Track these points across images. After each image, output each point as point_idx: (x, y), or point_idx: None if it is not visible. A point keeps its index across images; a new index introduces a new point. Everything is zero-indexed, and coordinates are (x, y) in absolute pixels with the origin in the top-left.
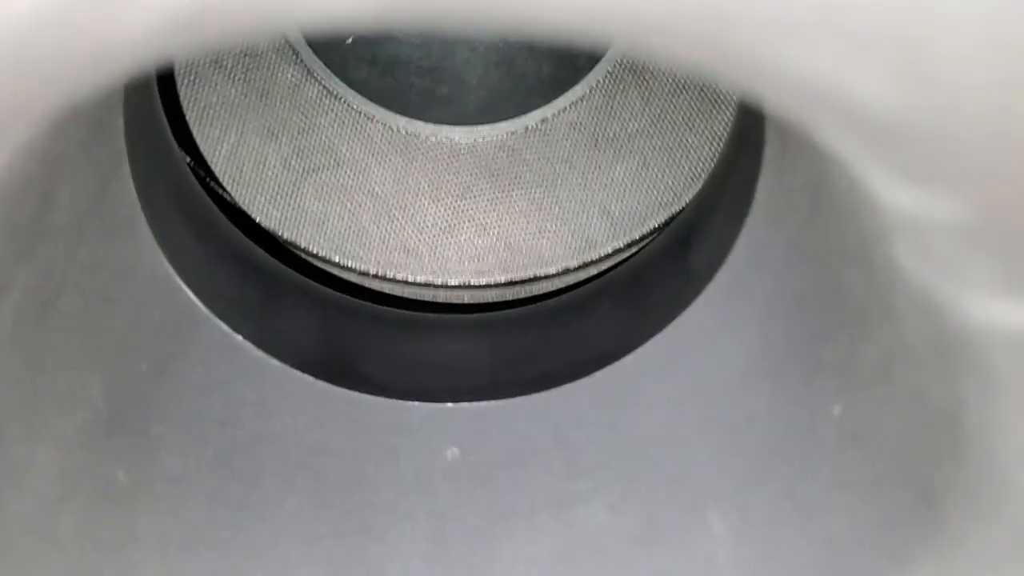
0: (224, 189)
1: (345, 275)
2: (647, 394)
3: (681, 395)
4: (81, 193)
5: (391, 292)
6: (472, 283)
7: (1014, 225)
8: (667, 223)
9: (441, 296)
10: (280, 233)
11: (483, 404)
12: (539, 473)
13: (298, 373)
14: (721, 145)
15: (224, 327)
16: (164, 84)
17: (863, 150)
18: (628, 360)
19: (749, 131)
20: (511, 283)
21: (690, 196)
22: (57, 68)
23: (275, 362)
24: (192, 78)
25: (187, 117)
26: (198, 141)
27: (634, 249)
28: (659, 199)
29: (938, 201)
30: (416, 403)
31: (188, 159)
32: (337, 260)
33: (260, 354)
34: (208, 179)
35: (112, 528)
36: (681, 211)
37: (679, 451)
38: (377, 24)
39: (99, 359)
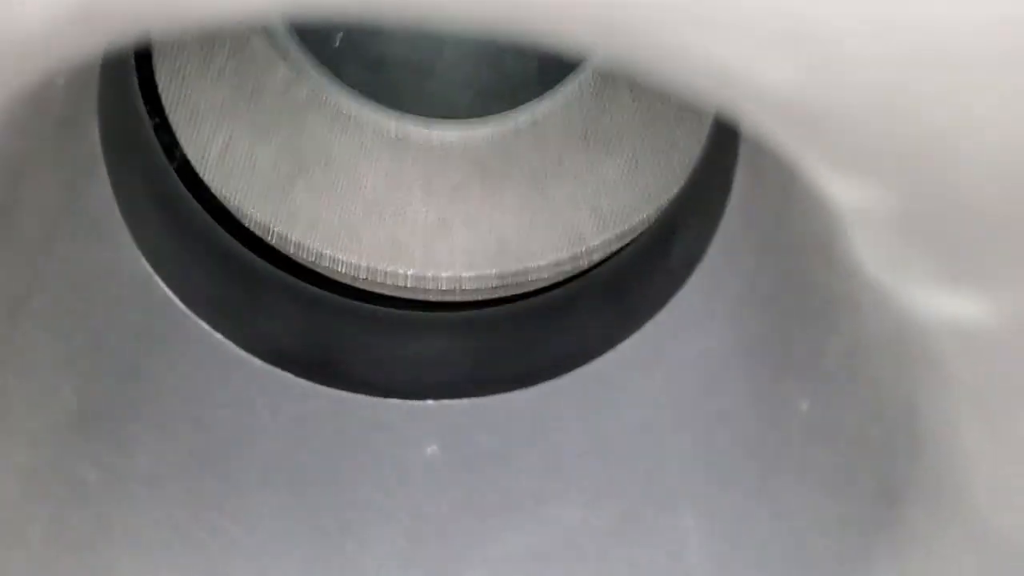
0: (207, 186)
1: (335, 275)
2: (623, 391)
3: (656, 392)
4: (52, 194)
5: (381, 292)
6: (463, 277)
7: (933, 214)
8: (655, 219)
9: (432, 295)
10: (271, 230)
11: (463, 402)
12: (517, 470)
13: (278, 371)
14: (707, 139)
15: (203, 325)
16: (146, 84)
17: (794, 141)
18: (606, 358)
19: (726, 129)
20: (501, 277)
21: (679, 187)
22: None
23: (255, 360)
24: (180, 79)
25: (171, 117)
26: (187, 141)
27: (623, 243)
28: (648, 195)
29: (868, 192)
30: (396, 400)
31: (177, 154)
32: (327, 257)
33: (240, 352)
34: (192, 176)
35: (83, 529)
36: (661, 212)
37: (653, 448)
38: (280, 16)
39: (73, 359)
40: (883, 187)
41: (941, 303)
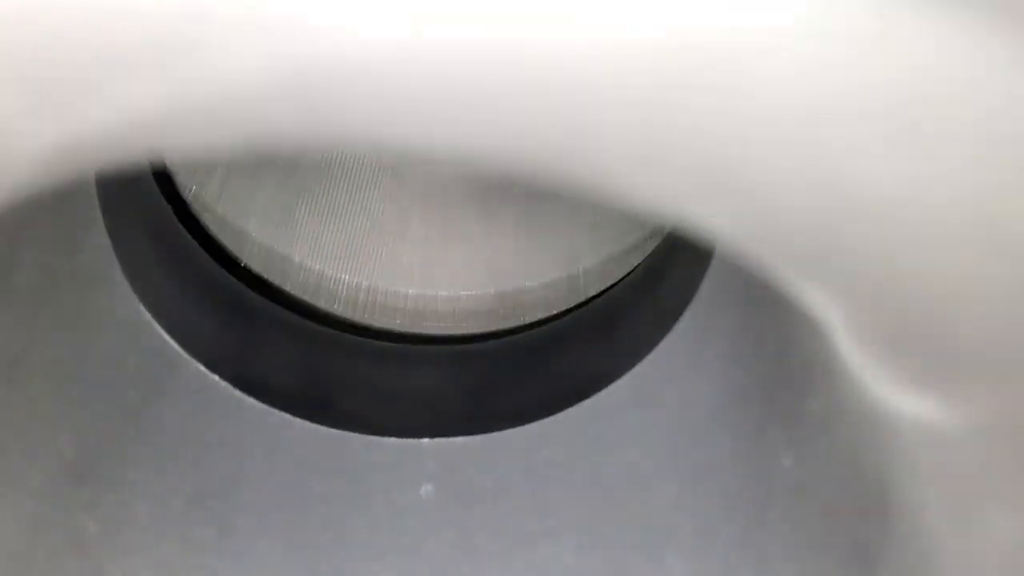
0: (203, 223)
1: (336, 298)
2: (614, 432)
3: (647, 434)
4: (49, 249)
5: (379, 323)
6: (461, 296)
7: (888, 328)
8: (650, 235)
9: (430, 321)
10: (273, 253)
11: (457, 440)
12: (509, 511)
13: (275, 411)
14: None
15: (200, 368)
16: None
17: (747, 260)
18: (598, 397)
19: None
20: (498, 298)
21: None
22: None
23: (252, 401)
24: None
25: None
26: (185, 172)
27: (618, 266)
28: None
29: (825, 304)
30: (392, 439)
31: (172, 189)
32: (329, 278)
33: (237, 394)
34: (189, 214)
35: None
36: (652, 250)
37: (643, 493)
38: (245, 153)
39: (70, 410)
40: (839, 304)
41: (906, 400)
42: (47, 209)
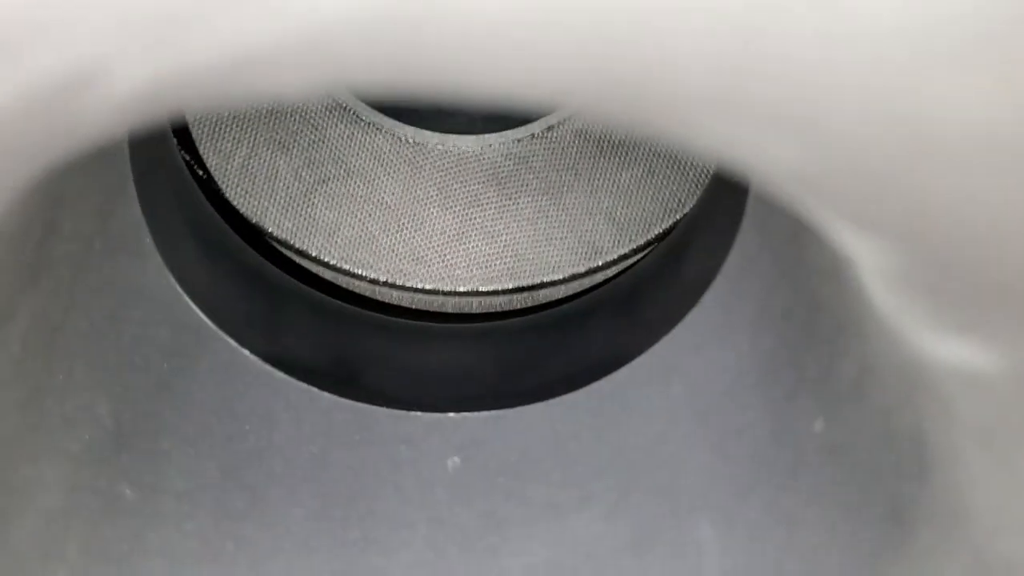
0: (231, 203)
1: (355, 284)
2: (641, 405)
3: (674, 406)
4: (86, 218)
5: (399, 302)
6: (480, 290)
7: (938, 272)
8: (672, 228)
9: (450, 304)
10: (292, 243)
11: (484, 414)
12: (536, 482)
13: (303, 385)
14: None
15: (231, 342)
16: None
17: (801, 201)
18: (624, 371)
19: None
20: (519, 289)
21: (694, 202)
22: (28, 146)
23: (280, 375)
24: None
25: (194, 133)
26: (209, 155)
27: (640, 255)
28: (664, 205)
29: (872, 248)
30: (418, 413)
31: (201, 172)
32: (347, 268)
33: (266, 367)
34: (217, 193)
35: (119, 542)
36: (677, 223)
37: (671, 461)
38: (320, 93)
39: (106, 379)
40: (888, 245)
41: (947, 348)
42: (84, 178)
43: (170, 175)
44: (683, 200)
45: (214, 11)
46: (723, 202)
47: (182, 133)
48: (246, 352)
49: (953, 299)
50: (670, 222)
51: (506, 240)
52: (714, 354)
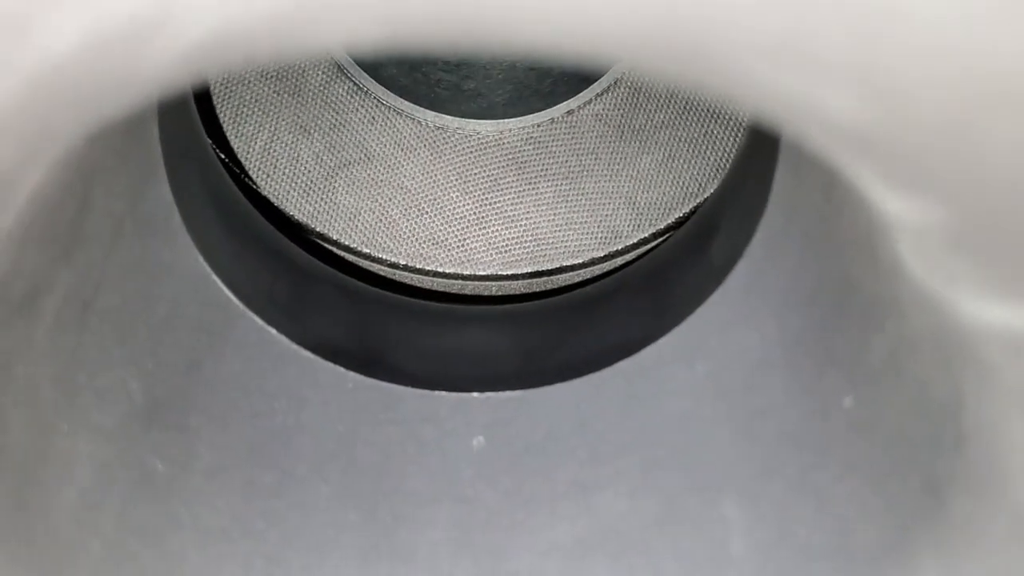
0: (258, 185)
1: (376, 267)
2: (667, 384)
3: (699, 385)
4: (118, 197)
5: (420, 284)
6: (500, 273)
7: (990, 232)
8: (691, 213)
9: (469, 287)
10: (313, 227)
11: (508, 394)
12: (561, 461)
13: (329, 364)
14: (745, 136)
15: (258, 321)
16: (198, 86)
17: (848, 159)
18: (649, 351)
19: (767, 125)
20: (538, 273)
21: (715, 187)
22: (89, 95)
23: (307, 354)
24: (226, 77)
25: (220, 116)
26: (232, 139)
27: (659, 240)
28: (684, 190)
29: (920, 208)
30: (444, 393)
31: (223, 157)
32: (368, 252)
33: (293, 347)
34: (242, 175)
35: (151, 517)
36: (702, 204)
37: (696, 439)
38: (384, 47)
39: (137, 355)
40: (939, 205)
41: (989, 311)
42: (116, 158)
43: (198, 157)
44: (703, 184)
45: None
46: (749, 181)
47: (208, 116)
48: (273, 331)
49: (1001, 260)
50: (690, 206)
51: (526, 224)
52: (740, 334)
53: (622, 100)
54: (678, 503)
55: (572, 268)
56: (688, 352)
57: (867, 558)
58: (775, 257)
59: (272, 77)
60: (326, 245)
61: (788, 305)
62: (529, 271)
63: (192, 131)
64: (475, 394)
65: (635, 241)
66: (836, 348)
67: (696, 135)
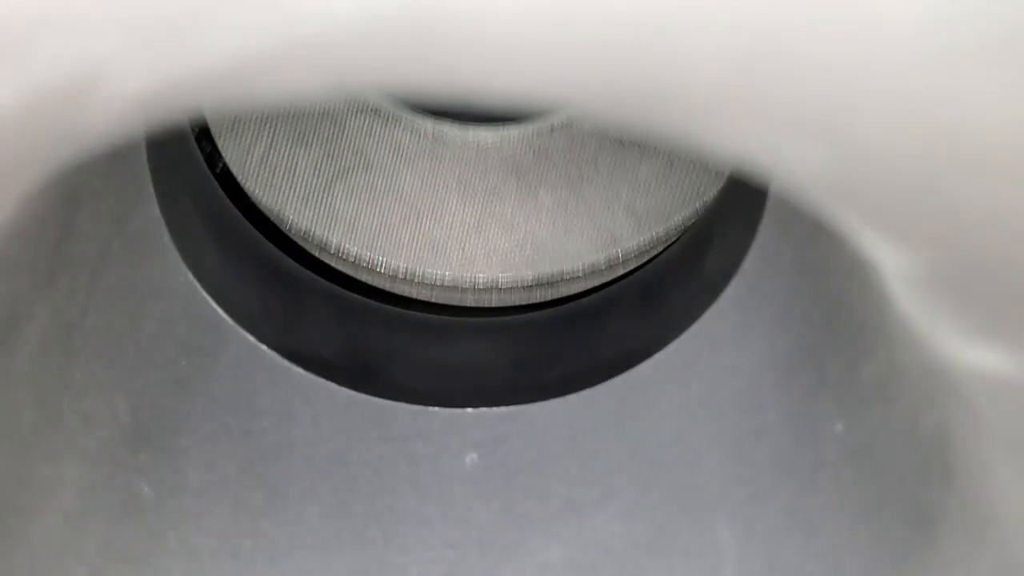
0: (251, 196)
1: (374, 279)
2: (660, 402)
3: (693, 404)
4: (104, 218)
5: (418, 296)
6: (499, 280)
7: (968, 276)
8: (691, 222)
9: (469, 299)
10: (311, 235)
11: (502, 410)
12: (554, 479)
13: (321, 380)
14: None
15: (249, 337)
16: None
17: (824, 205)
18: (643, 367)
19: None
20: (537, 282)
21: (713, 194)
22: (34, 146)
23: (299, 370)
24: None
25: (213, 128)
26: (228, 149)
27: (659, 247)
28: (684, 197)
29: (899, 250)
30: (436, 408)
31: (218, 166)
32: (367, 260)
33: (284, 363)
34: (236, 187)
35: (137, 540)
36: (696, 219)
37: (689, 460)
38: (327, 96)
39: (124, 376)
40: (916, 250)
41: (973, 353)
42: (101, 178)
43: (188, 171)
44: (703, 193)
45: (223, 11)
46: (743, 198)
47: (201, 128)
48: (264, 348)
49: (980, 304)
50: (690, 215)
51: (525, 232)
52: (733, 353)
53: None
54: (670, 526)
55: (571, 277)
56: (683, 369)
57: None
58: (769, 275)
59: None
60: (322, 256)
61: (782, 325)
62: (529, 278)
63: (181, 145)
64: (469, 410)
65: (635, 249)
66: (827, 373)
67: (692, 155)
